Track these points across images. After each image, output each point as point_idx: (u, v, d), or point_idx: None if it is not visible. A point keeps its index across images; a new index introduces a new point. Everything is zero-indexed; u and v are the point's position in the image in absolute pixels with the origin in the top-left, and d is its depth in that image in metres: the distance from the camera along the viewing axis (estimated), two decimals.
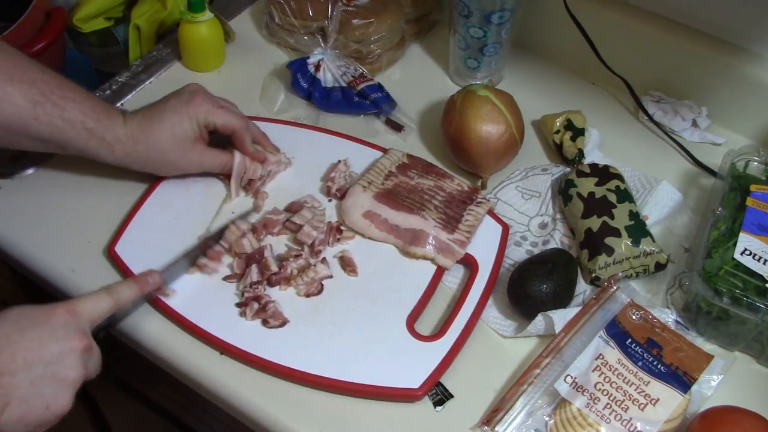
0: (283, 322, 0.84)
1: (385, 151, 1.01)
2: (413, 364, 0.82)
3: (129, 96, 1.09)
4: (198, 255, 0.89)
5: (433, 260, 0.91)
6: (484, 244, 0.93)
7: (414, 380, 0.81)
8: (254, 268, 0.87)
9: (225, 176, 0.96)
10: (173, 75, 1.13)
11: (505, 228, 0.95)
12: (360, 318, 0.86)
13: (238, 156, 0.95)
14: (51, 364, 0.68)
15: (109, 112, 0.89)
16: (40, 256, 0.91)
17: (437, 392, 0.82)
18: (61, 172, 0.96)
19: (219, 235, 0.91)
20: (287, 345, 0.83)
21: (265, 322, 0.84)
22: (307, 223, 0.91)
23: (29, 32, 1.07)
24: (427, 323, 0.88)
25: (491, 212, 0.97)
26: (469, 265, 0.92)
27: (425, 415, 0.81)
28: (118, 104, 1.08)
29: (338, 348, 0.83)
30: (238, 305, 0.85)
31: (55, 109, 0.85)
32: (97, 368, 0.74)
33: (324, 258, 0.90)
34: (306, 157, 1.01)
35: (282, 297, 0.87)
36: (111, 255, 0.89)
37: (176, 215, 0.93)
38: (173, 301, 0.85)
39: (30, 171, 0.97)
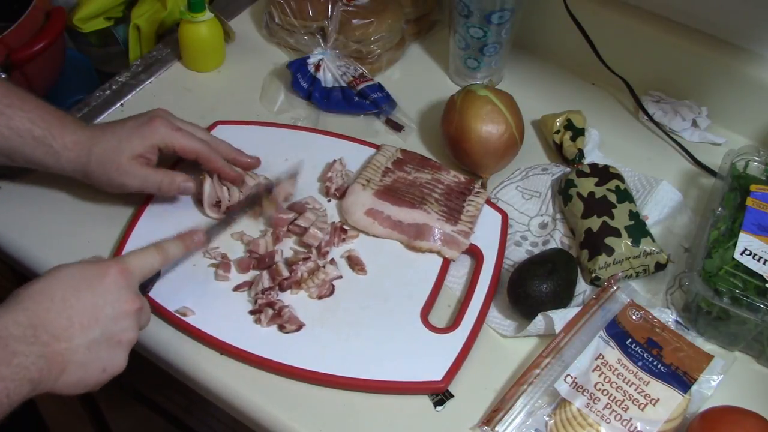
0: (300, 326, 0.84)
1: (378, 148, 1.01)
2: (433, 356, 0.83)
3: (129, 96, 1.09)
4: (239, 216, 0.91)
5: (439, 253, 0.92)
6: (486, 233, 0.94)
7: (436, 372, 0.81)
8: (265, 274, 0.87)
9: (198, 203, 0.94)
10: (173, 75, 1.13)
11: (504, 215, 0.96)
12: (375, 315, 0.86)
13: (207, 186, 0.92)
14: (106, 328, 0.70)
15: (62, 121, 0.87)
16: (40, 256, 0.91)
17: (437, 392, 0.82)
18: None
19: (255, 199, 0.92)
20: (306, 349, 0.83)
21: (281, 328, 0.84)
22: (312, 225, 0.91)
23: (29, 32, 1.07)
24: (437, 317, 0.88)
25: (489, 201, 0.97)
26: (474, 255, 0.93)
27: (425, 415, 0.81)
28: (118, 104, 1.08)
29: (357, 347, 0.83)
30: (252, 312, 0.85)
31: (1, 118, 0.84)
32: (149, 321, 0.77)
33: (332, 259, 0.90)
34: (301, 159, 1.00)
35: (294, 301, 0.87)
36: None
37: (176, 226, 0.92)
38: (189, 316, 0.85)
39: (30, 171, 0.97)
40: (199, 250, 0.85)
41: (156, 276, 0.80)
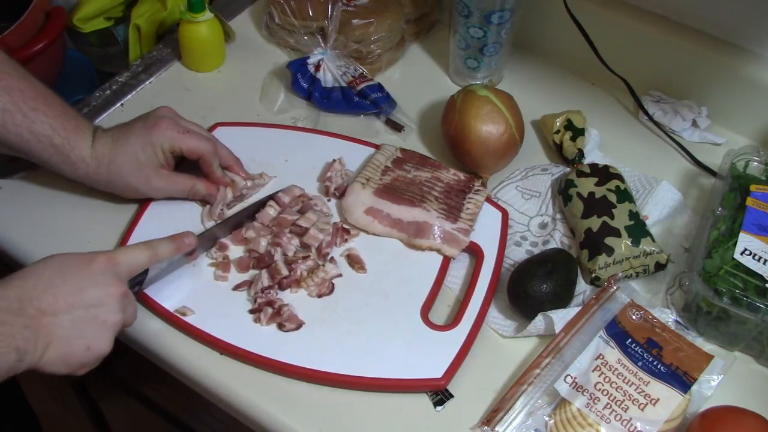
0: (299, 325, 0.84)
1: (377, 147, 1.01)
2: (433, 354, 0.83)
3: (129, 96, 1.09)
4: (233, 227, 0.92)
5: (439, 250, 0.92)
6: (486, 231, 0.94)
7: (436, 370, 0.82)
8: (264, 273, 0.87)
9: (201, 203, 0.95)
10: (173, 75, 1.13)
11: (505, 213, 0.96)
12: (375, 313, 0.86)
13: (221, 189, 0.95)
14: (91, 307, 0.72)
15: (79, 131, 0.88)
16: (40, 257, 0.90)
17: (437, 392, 0.82)
18: None
19: (255, 209, 0.93)
20: (306, 347, 0.83)
21: (281, 326, 0.84)
22: (312, 226, 0.91)
23: (29, 32, 1.07)
24: (437, 315, 0.88)
25: (489, 199, 0.97)
26: (474, 252, 0.93)
27: (425, 415, 0.81)
28: (118, 104, 1.08)
29: (357, 345, 0.83)
30: (252, 311, 0.85)
31: (25, 121, 0.84)
32: (134, 316, 0.78)
33: (332, 257, 0.90)
34: (301, 160, 1.01)
35: (294, 300, 0.87)
36: None
37: (176, 228, 0.92)
38: (188, 316, 0.85)
39: (30, 171, 0.97)
40: (190, 256, 0.87)
41: (144, 276, 0.81)
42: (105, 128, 0.91)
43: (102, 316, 0.72)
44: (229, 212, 0.95)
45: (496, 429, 0.78)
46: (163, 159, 0.90)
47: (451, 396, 0.82)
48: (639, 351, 0.82)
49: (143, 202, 0.94)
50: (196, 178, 0.93)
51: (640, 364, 0.81)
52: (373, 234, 0.94)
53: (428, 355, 0.83)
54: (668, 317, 0.87)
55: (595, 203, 0.94)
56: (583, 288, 0.91)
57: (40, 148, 0.86)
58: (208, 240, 0.90)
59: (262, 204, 0.94)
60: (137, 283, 0.80)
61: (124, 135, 0.89)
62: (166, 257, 0.81)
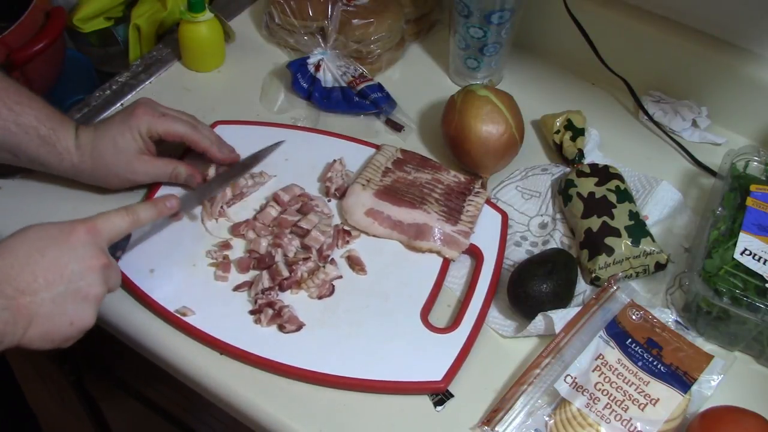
0: (300, 326, 0.84)
1: (378, 148, 1.01)
2: (433, 356, 0.83)
3: (129, 96, 1.09)
4: (217, 188, 0.92)
5: (439, 253, 0.92)
6: (486, 233, 0.94)
7: (436, 372, 0.82)
8: (265, 274, 0.87)
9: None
10: (173, 75, 1.13)
11: (504, 215, 0.96)
12: (375, 315, 0.86)
13: (212, 171, 0.95)
14: (72, 282, 0.71)
15: (64, 123, 0.89)
16: None
17: (438, 392, 0.82)
18: None
19: (244, 167, 0.94)
20: (306, 348, 0.83)
21: (281, 328, 0.84)
22: (314, 228, 0.91)
23: (29, 32, 1.07)
24: (437, 317, 0.88)
25: (489, 201, 0.97)
26: (474, 255, 0.93)
27: (425, 415, 0.81)
28: (118, 104, 1.08)
29: (358, 347, 0.83)
30: (252, 312, 0.85)
31: (10, 114, 0.86)
32: (118, 283, 0.77)
33: (332, 259, 0.90)
34: (301, 159, 1.01)
35: (294, 301, 0.87)
36: None
37: (175, 226, 0.93)
38: (189, 316, 0.85)
39: (30, 171, 0.97)
40: (174, 217, 0.88)
41: (126, 242, 0.81)
42: (89, 124, 0.93)
43: (84, 291, 0.72)
44: (229, 210, 0.95)
45: (496, 429, 0.78)
46: (142, 144, 0.91)
47: (451, 396, 0.82)
48: (639, 351, 0.82)
49: (143, 200, 0.94)
50: (177, 162, 0.94)
51: (640, 364, 0.81)
52: (374, 236, 0.94)
53: (428, 357, 0.83)
54: (668, 317, 0.87)
55: (595, 203, 0.94)
56: (583, 288, 0.91)
57: (27, 139, 0.87)
58: (197, 198, 0.91)
59: (248, 164, 0.96)
60: (120, 248, 0.80)
61: (104, 125, 0.91)
62: (147, 222, 0.81)
